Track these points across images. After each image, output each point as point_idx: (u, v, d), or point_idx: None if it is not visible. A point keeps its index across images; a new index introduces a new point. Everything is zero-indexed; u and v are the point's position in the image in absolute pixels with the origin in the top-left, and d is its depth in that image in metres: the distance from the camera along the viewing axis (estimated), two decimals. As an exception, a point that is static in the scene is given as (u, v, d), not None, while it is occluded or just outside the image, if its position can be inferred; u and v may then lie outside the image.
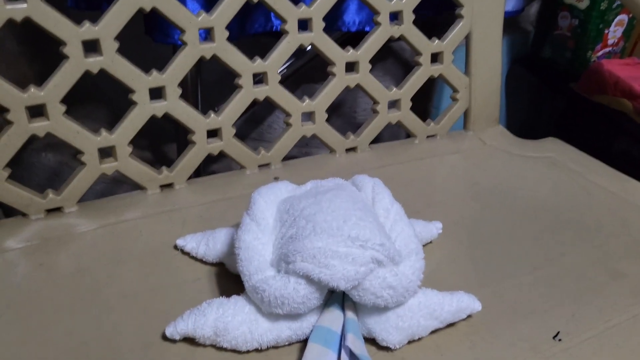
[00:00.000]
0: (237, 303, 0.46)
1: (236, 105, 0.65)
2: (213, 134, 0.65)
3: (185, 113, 0.62)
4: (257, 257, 0.47)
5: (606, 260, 0.60)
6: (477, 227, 0.64)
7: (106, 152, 0.61)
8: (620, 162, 0.79)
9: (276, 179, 0.69)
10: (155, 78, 0.59)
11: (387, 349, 0.47)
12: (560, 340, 0.50)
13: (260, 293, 0.45)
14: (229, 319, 0.45)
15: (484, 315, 0.51)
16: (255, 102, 0.66)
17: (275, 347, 0.47)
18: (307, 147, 0.90)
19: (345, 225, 0.45)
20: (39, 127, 0.55)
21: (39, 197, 0.58)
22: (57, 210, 0.60)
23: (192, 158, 0.65)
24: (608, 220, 0.67)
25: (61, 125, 0.56)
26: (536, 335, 0.50)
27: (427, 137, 0.79)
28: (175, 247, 0.57)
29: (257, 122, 0.98)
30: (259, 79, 0.65)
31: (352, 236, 0.44)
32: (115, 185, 0.91)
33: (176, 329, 0.46)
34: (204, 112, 0.64)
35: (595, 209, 0.68)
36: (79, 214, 0.60)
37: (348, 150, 0.75)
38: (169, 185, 0.65)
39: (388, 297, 0.45)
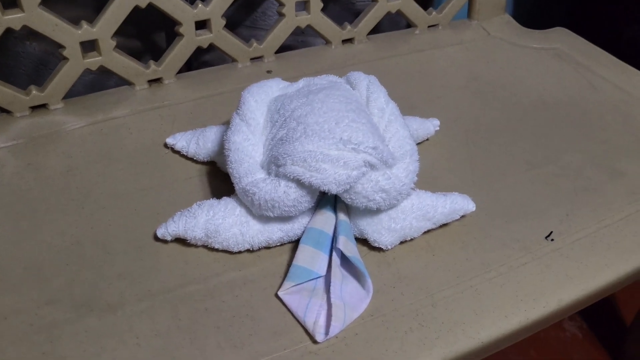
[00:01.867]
0: (227, 205, 0.46)
1: (226, -6, 0.61)
2: (202, 25, 0.62)
3: (171, 3, 0.58)
4: (246, 159, 0.46)
5: (606, 158, 0.59)
6: (476, 124, 0.63)
7: (90, 46, 0.58)
8: (631, 51, 0.75)
9: (269, 72, 0.66)
10: (134, -35, 0.55)
11: (379, 249, 0.48)
12: (552, 240, 0.50)
13: (251, 196, 0.44)
14: (219, 221, 0.45)
15: (478, 215, 0.51)
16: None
17: (267, 248, 0.47)
18: (303, 35, 0.85)
19: (337, 128, 0.43)
20: (14, 19, 0.52)
21: (22, 94, 0.56)
22: (43, 107, 0.58)
23: (180, 51, 0.62)
24: (612, 116, 0.65)
25: (37, 16, 0.53)
26: (529, 235, 0.51)
27: (429, 27, 0.75)
28: (166, 145, 0.56)
29: (250, 8, 0.93)
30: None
31: (344, 139, 0.43)
32: (104, 77, 0.88)
33: (167, 230, 0.46)
34: (192, 1, 0.60)
35: (600, 105, 0.66)
36: (65, 111, 0.58)
37: (345, 41, 0.71)
38: (157, 80, 0.63)
39: (380, 200, 0.44)
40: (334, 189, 0.43)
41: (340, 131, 0.43)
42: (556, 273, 0.48)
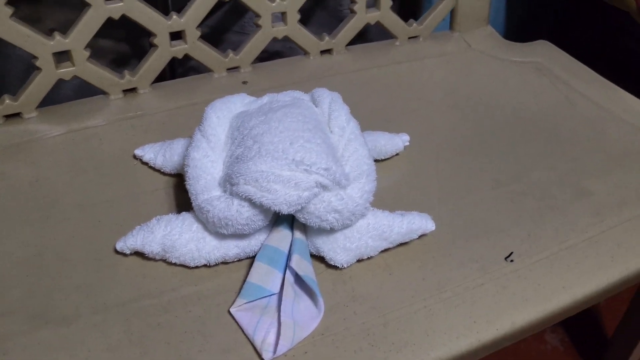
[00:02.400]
0: (185, 221, 0.47)
1: (201, 6, 0.61)
2: (177, 36, 0.62)
3: (145, 14, 0.59)
4: (204, 175, 0.46)
5: (575, 176, 0.59)
6: (448, 139, 0.63)
7: (64, 56, 0.58)
8: (622, 62, 0.75)
9: (245, 83, 0.67)
10: (107, -25, 0.56)
11: (335, 267, 0.48)
12: (512, 261, 0.50)
13: (205, 213, 0.45)
14: (176, 237, 0.46)
15: (438, 233, 0.51)
16: (221, 3, 0.62)
17: (224, 263, 0.48)
18: (290, 41, 0.86)
19: (291, 148, 0.44)
20: (-15, 31, 0.53)
21: (-6, 103, 0.57)
22: (17, 116, 0.59)
23: (155, 62, 0.62)
24: (585, 132, 0.64)
25: (8, 28, 0.54)
26: (488, 255, 0.51)
27: (409, 38, 0.75)
28: (135, 156, 0.57)
29: (238, 14, 0.93)
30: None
31: (296, 160, 0.43)
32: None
33: (126, 244, 0.47)
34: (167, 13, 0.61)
35: (574, 120, 0.66)
36: (39, 120, 0.59)
37: (323, 52, 0.72)
38: (132, 90, 0.63)
39: (333, 220, 0.44)
40: (285, 210, 0.43)
41: (293, 152, 0.44)
42: (512, 295, 0.48)
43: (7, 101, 0.57)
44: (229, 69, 0.67)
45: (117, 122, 0.60)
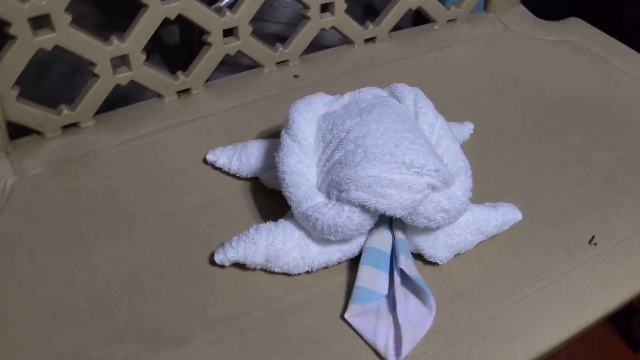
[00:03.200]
0: (286, 229, 0.46)
1: (253, 1, 0.59)
2: (228, 32, 0.60)
3: (200, 12, 0.57)
4: (303, 182, 0.45)
5: (634, 157, 0.60)
6: (504, 125, 0.63)
7: (120, 61, 0.56)
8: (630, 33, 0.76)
9: (296, 76, 0.65)
10: (166, -25, 0.53)
11: (433, 264, 0.48)
12: (595, 244, 0.52)
13: (313, 221, 0.44)
14: (279, 246, 0.45)
15: (520, 222, 0.52)
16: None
17: (324, 268, 0.47)
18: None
19: (397, 150, 0.43)
20: (45, 40, 0.50)
21: (53, 113, 0.54)
22: (74, 125, 0.56)
23: (208, 60, 0.60)
24: (636, 111, 0.66)
25: (68, 36, 0.51)
26: (571, 240, 0.52)
27: (447, 21, 0.75)
28: (205, 161, 0.55)
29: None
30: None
31: (406, 162, 0.43)
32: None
33: (226, 256, 0.46)
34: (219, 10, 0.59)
35: (623, 100, 0.67)
36: (96, 129, 0.57)
37: (367, 40, 0.71)
38: (186, 91, 0.61)
39: (441, 219, 0.45)
40: (399, 213, 0.43)
41: (401, 154, 0.43)
42: (601, 278, 0.49)
43: (65, 111, 0.55)
44: (277, 63, 0.66)
45: (177, 127, 0.58)
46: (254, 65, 0.65)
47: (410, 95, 0.51)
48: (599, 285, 0.49)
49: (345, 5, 0.65)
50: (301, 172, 0.46)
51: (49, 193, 0.51)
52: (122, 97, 0.59)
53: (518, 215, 0.50)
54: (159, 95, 0.60)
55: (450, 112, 0.64)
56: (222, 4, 0.73)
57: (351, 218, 0.43)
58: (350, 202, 0.43)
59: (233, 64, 0.76)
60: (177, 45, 0.97)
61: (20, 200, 0.50)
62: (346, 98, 0.51)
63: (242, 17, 0.59)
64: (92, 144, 0.55)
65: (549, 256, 0.50)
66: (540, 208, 0.54)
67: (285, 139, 0.48)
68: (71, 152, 0.54)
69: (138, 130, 0.57)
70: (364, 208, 0.43)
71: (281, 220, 0.47)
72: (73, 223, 0.49)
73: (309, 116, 0.49)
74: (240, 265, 0.47)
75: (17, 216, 0.49)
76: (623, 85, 0.69)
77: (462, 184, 0.46)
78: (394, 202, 0.42)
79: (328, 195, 0.45)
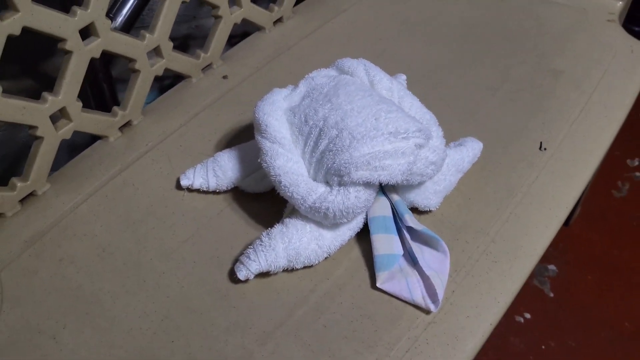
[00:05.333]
0: (297, 226, 0.48)
1: (167, 16, 0.58)
2: (150, 53, 0.59)
3: (122, 43, 0.55)
4: (300, 178, 0.47)
5: (542, 62, 0.68)
6: (428, 65, 0.68)
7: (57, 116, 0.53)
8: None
9: (225, 77, 0.65)
10: (82, 16, 0.50)
11: (427, 212, 0.53)
12: (545, 149, 0.59)
13: (323, 211, 0.46)
14: (297, 244, 0.47)
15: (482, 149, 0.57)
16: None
17: (338, 251, 0.50)
18: (195, 19, 0.83)
19: (379, 123, 0.46)
20: (-19, 117, 0.47)
21: (6, 191, 0.51)
22: (30, 196, 0.53)
23: (140, 87, 0.58)
24: (526, 21, 0.73)
25: (3, 106, 0.48)
26: (525, 151, 0.58)
27: (340, -18, 0.78)
28: (179, 187, 0.54)
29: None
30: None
31: (392, 132, 0.46)
32: (15, 131, 0.80)
33: (250, 270, 0.47)
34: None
35: (512, 14, 0.74)
36: (55, 192, 0.54)
37: (275, 22, 0.71)
38: (127, 125, 0.59)
39: (431, 172, 0.48)
40: (399, 179, 0.46)
41: (384, 126, 0.46)
42: (561, 176, 0.56)
43: (19, 184, 0.51)
44: (203, 69, 0.65)
45: (136, 162, 0.57)
46: (178, 76, 0.64)
47: (360, 67, 0.53)
48: (561, 183, 0.56)
49: (250, -5, 0.66)
50: (294, 170, 0.48)
51: (41, 271, 0.48)
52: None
53: (480, 145, 0.56)
54: (101, 137, 0.58)
55: (378, 65, 0.67)
56: (117, 24, 0.70)
57: (358, 197, 0.46)
58: (354, 183, 0.46)
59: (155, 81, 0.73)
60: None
61: (16, 290, 0.47)
62: (302, 87, 0.52)
63: (161, 35, 0.58)
64: (58, 207, 0.53)
65: (514, 172, 0.56)
66: (490, 132, 0.60)
67: (265, 143, 0.49)
68: (41, 223, 0.52)
69: (98, 178, 0.55)
70: (367, 184, 0.46)
71: (287, 220, 0.49)
72: (83, 293, 0.47)
73: (277, 115, 0.50)
74: (261, 275, 0.48)
75: (21, 306, 0.46)
76: (509, 1, 0.76)
77: (437, 134, 0.50)
78: (394, 170, 0.45)
79: (327, 184, 0.47)
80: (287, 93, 0.53)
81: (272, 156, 0.48)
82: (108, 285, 0.48)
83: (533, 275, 0.96)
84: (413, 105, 0.51)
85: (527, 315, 0.91)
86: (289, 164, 0.48)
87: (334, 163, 0.46)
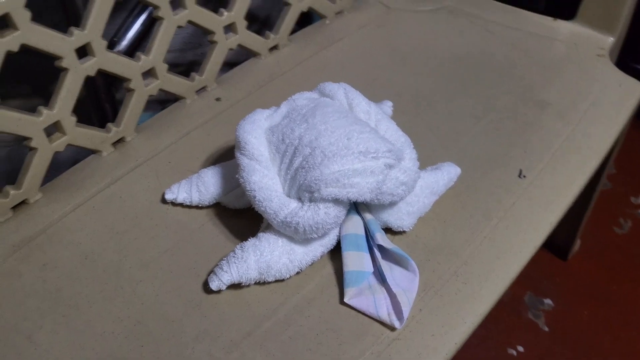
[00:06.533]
0: (269, 240, 0.49)
1: (163, 39, 0.61)
2: (146, 74, 0.62)
3: (118, 63, 0.58)
4: (273, 194, 0.49)
5: (529, 93, 0.69)
6: (416, 94, 0.70)
7: (52, 129, 0.56)
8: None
9: (218, 99, 0.68)
10: (78, 36, 0.54)
11: (401, 233, 0.54)
12: (524, 176, 0.60)
13: (294, 226, 0.48)
14: (268, 257, 0.48)
15: (460, 175, 0.59)
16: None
17: (310, 266, 0.51)
18: (200, 47, 0.87)
19: (350, 143, 0.48)
20: (-23, 127, 0.50)
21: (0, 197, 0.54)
22: (23, 204, 0.56)
23: (134, 105, 0.61)
24: (515, 54, 0.75)
25: (0, 117, 0.51)
26: (505, 178, 0.59)
27: (336, 14, 0.80)
28: (164, 201, 0.57)
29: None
30: (174, 3, 0.61)
31: (362, 151, 0.48)
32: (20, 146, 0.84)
33: (222, 281, 0.48)
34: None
35: (502, 47, 0.76)
36: (47, 200, 0.57)
37: (271, 49, 0.74)
38: (120, 141, 0.62)
39: (402, 192, 0.50)
40: (368, 197, 0.48)
41: (355, 145, 0.48)
42: (538, 202, 0.57)
43: (12, 192, 0.54)
44: (197, 91, 0.68)
45: (125, 176, 0.59)
46: (174, 98, 0.67)
47: (340, 91, 0.55)
48: (539, 209, 0.57)
49: (246, 23, 0.69)
50: (268, 186, 0.49)
51: (25, 275, 0.51)
52: (55, 165, 0.59)
53: (458, 170, 0.57)
54: (95, 152, 0.61)
55: (366, 95, 0.69)
56: (121, 47, 0.74)
57: (328, 213, 0.48)
58: (323, 200, 0.47)
59: (153, 102, 0.77)
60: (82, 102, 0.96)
61: (0, 291, 0.49)
62: (283, 108, 0.55)
63: (156, 58, 0.61)
64: (47, 215, 0.55)
65: (492, 197, 0.57)
66: (471, 158, 0.61)
67: (243, 160, 0.51)
68: (30, 230, 0.54)
69: (88, 190, 0.58)
70: (337, 201, 0.48)
71: (261, 234, 0.50)
72: (61, 297, 0.49)
73: (257, 133, 0.52)
74: (234, 286, 0.50)
75: (3, 306, 0.48)
76: (498, 34, 0.78)
77: (410, 156, 0.51)
78: (363, 188, 0.47)
79: (300, 200, 0.49)
80: (270, 113, 0.55)
81: (248, 172, 0.50)
82: (86, 290, 0.50)
83: (527, 308, 0.95)
84: (389, 128, 0.53)
85: (520, 349, 0.90)
86: (264, 180, 0.50)
87: (305, 179, 0.48)
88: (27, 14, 0.49)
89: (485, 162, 0.61)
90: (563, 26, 0.80)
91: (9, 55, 0.50)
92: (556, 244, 1.03)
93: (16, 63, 0.52)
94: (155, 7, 0.59)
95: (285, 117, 0.53)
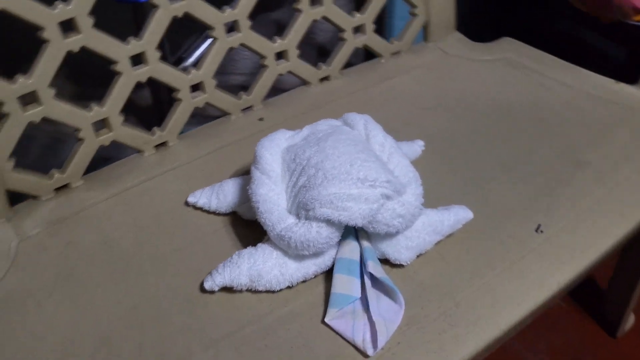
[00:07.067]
0: (264, 250, 0.52)
1: (214, 57, 0.66)
2: (195, 87, 0.67)
3: (168, 73, 0.64)
4: (275, 207, 0.52)
5: (570, 151, 0.68)
6: (452, 137, 0.70)
7: (101, 124, 0.62)
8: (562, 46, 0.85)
9: (261, 119, 0.72)
10: (134, 45, 0.60)
11: (399, 266, 0.54)
12: (542, 232, 0.58)
13: (287, 240, 0.50)
14: (261, 266, 0.51)
15: (474, 220, 0.58)
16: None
17: (303, 282, 0.53)
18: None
19: (352, 169, 0.50)
20: (34, 113, 0.57)
21: (45, 178, 0.60)
22: (65, 187, 0.62)
23: (180, 114, 0.67)
24: (566, 112, 0.74)
25: (54, 108, 0.58)
26: (520, 231, 0.58)
27: (392, 54, 0.83)
28: (187, 203, 0.61)
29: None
30: (231, 27, 0.67)
31: (361, 178, 0.49)
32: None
33: (214, 282, 0.51)
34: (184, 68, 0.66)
35: (554, 103, 0.75)
36: (86, 187, 0.63)
37: (322, 79, 0.78)
38: (163, 144, 0.68)
39: (398, 224, 0.51)
40: (360, 222, 0.49)
41: (355, 172, 0.50)
42: (550, 260, 0.56)
43: (57, 175, 0.61)
44: (243, 109, 0.73)
45: (159, 176, 0.64)
46: (221, 114, 0.72)
47: (361, 122, 0.57)
48: (549, 267, 0.55)
49: (297, 52, 0.73)
50: (272, 200, 0.52)
51: (50, 249, 0.56)
52: (103, 159, 0.65)
53: (469, 214, 0.57)
54: (138, 151, 0.66)
55: (402, 133, 0.71)
56: (187, 63, 0.80)
57: (319, 233, 0.49)
58: (317, 219, 0.49)
59: (203, 115, 0.83)
60: (149, 106, 1.04)
61: (25, 259, 0.55)
62: (305, 131, 0.58)
63: (206, 73, 0.67)
64: (83, 201, 0.61)
65: (501, 247, 0.57)
66: (490, 206, 0.61)
67: (255, 173, 0.54)
68: (66, 210, 0.60)
69: (124, 184, 0.63)
70: (329, 222, 0.49)
71: (260, 244, 0.53)
72: (75, 273, 0.54)
73: (274, 150, 0.55)
74: (228, 290, 0.52)
75: (24, 273, 0.54)
76: (553, 90, 0.77)
77: (414, 192, 0.52)
78: (355, 213, 0.49)
79: (298, 216, 0.51)
80: (292, 134, 0.58)
81: (257, 185, 0.53)
82: (97, 272, 0.54)
83: (560, 378, 0.90)
84: (400, 162, 0.54)
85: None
86: (270, 194, 0.53)
87: (304, 197, 0.50)
88: (90, 21, 0.56)
89: (503, 211, 0.60)
90: (625, 89, 0.77)
91: (70, 54, 0.57)
92: (607, 319, 0.97)
93: (77, 64, 0.58)
94: (210, 28, 0.65)
95: (304, 139, 0.56)
